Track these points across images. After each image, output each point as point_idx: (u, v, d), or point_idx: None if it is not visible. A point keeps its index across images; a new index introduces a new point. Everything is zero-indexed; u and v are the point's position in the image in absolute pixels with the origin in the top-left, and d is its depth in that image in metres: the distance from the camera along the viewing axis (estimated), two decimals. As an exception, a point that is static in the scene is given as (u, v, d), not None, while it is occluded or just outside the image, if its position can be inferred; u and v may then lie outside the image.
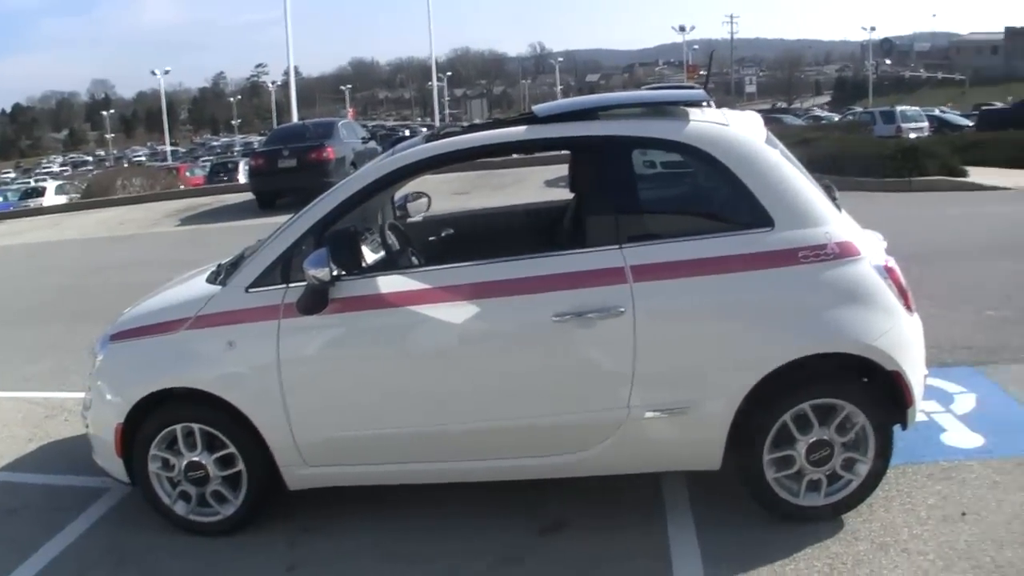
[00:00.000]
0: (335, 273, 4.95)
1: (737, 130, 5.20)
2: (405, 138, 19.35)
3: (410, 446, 5.19)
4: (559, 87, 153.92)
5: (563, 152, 6.02)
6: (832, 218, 5.07)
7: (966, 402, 6.94)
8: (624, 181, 5.17)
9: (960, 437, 6.31)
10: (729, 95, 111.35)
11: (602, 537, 5.19)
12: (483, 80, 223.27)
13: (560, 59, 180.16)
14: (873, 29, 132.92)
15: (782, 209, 4.96)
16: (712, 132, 5.14)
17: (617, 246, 4.93)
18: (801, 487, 5.09)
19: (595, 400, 4.97)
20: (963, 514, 5.22)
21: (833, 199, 5.35)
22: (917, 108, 50.45)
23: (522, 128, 5.36)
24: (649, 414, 4.92)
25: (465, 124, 6.23)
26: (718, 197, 5.35)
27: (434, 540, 5.32)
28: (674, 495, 5.54)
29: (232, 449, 5.33)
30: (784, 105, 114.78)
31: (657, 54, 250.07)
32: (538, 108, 5.55)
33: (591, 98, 5.76)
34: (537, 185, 17.16)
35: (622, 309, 4.83)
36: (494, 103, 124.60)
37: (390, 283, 5.10)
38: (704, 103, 5.46)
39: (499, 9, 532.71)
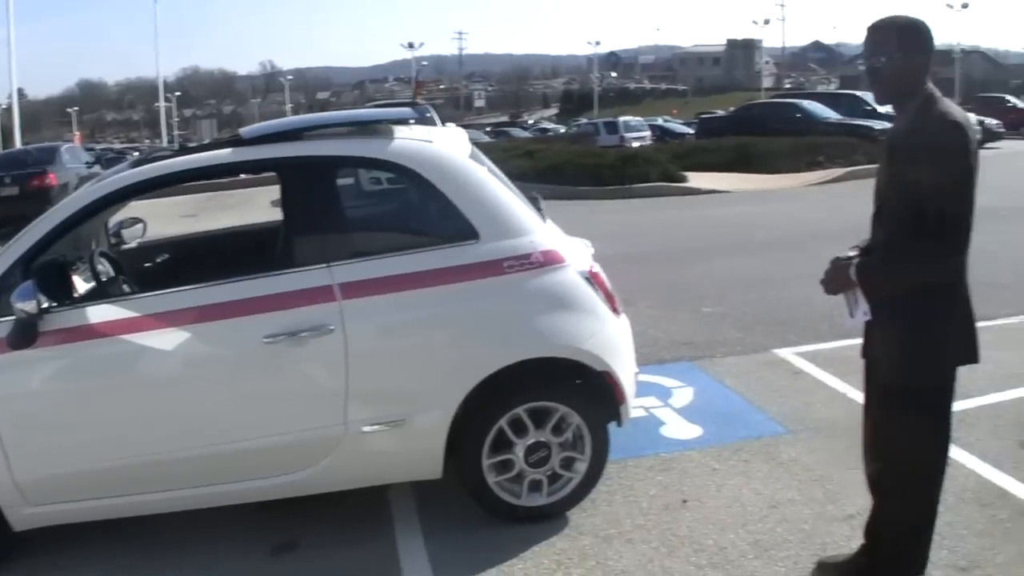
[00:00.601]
0: (44, 305, 4.74)
1: (440, 146, 5.29)
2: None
3: (136, 477, 5.01)
4: (289, 105, 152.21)
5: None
6: (536, 228, 5.23)
7: (684, 396, 7.27)
8: (330, 201, 5.20)
9: (679, 429, 6.59)
10: (459, 110, 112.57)
11: (332, 554, 5.17)
12: (213, 100, 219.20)
13: (290, 77, 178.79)
14: (599, 43, 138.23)
15: (486, 221, 5.08)
16: (415, 149, 5.21)
17: (325, 265, 4.93)
18: (523, 488, 5.21)
19: (313, 418, 4.95)
20: (684, 501, 5.46)
21: (539, 210, 5.53)
22: (640, 118, 52.18)
23: (228, 151, 5.30)
24: (367, 428, 4.93)
25: (181, 146, 6.06)
26: (425, 212, 5.45)
27: (170, 568, 5.18)
28: (401, 506, 5.56)
29: None
30: (513, 118, 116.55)
31: (387, 71, 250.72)
32: (245, 130, 5.51)
33: (298, 118, 5.77)
34: (264, 204, 16.91)
35: (332, 327, 4.83)
36: (224, 123, 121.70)
37: (101, 312, 4.93)
38: (411, 120, 5.51)
39: (229, 27, 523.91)
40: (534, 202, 5.60)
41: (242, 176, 6.17)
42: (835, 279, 3.99)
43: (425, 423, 4.99)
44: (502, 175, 5.56)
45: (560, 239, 5.38)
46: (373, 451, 5.02)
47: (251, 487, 5.09)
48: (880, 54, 3.82)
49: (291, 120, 5.71)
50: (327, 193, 5.20)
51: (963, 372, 7.29)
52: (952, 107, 3.80)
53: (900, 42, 3.81)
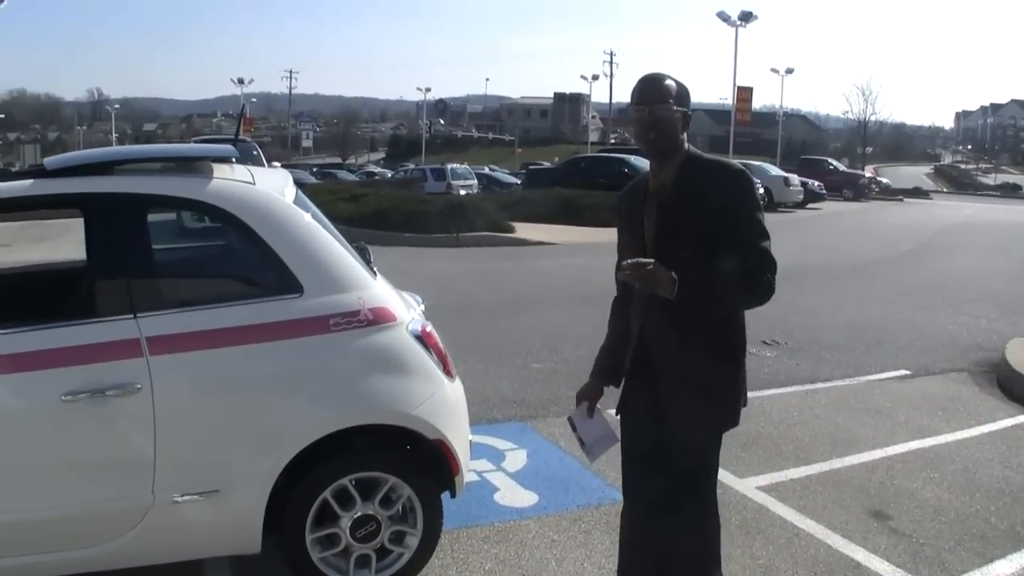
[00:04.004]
0: None
1: (263, 189, 4.85)
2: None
3: None
4: (115, 135, 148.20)
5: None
6: (365, 283, 4.85)
7: (517, 459, 6.94)
8: (139, 243, 4.66)
9: (513, 496, 6.25)
10: (286, 149, 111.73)
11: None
12: (38, 124, 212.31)
13: (117, 106, 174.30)
14: (429, 90, 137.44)
15: (311, 274, 4.66)
16: (235, 191, 4.76)
17: (131, 315, 4.42)
18: (350, 565, 4.77)
19: (116, 486, 4.41)
20: (523, 577, 5.12)
21: (368, 262, 5.15)
22: (467, 166, 52.45)
23: (27, 183, 4.69)
24: (178, 498, 4.42)
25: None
26: (244, 261, 4.99)
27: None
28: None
29: None
30: (340, 160, 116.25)
31: (216, 105, 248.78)
32: (49, 160, 4.93)
33: (109, 150, 5.21)
34: (82, 238, 15.89)
35: (139, 385, 4.31)
36: (49, 149, 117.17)
37: None
38: (233, 159, 5.05)
39: (56, 51, 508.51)
40: (362, 253, 5.21)
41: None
42: (657, 278, 3.58)
43: (242, 493, 4.51)
44: (328, 223, 5.13)
45: (391, 295, 4.99)
46: (185, 523, 4.49)
47: (48, 561, 4.45)
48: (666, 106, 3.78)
49: (102, 151, 5.17)
50: (136, 235, 4.65)
51: (802, 436, 7.15)
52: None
53: (679, 98, 3.81)
